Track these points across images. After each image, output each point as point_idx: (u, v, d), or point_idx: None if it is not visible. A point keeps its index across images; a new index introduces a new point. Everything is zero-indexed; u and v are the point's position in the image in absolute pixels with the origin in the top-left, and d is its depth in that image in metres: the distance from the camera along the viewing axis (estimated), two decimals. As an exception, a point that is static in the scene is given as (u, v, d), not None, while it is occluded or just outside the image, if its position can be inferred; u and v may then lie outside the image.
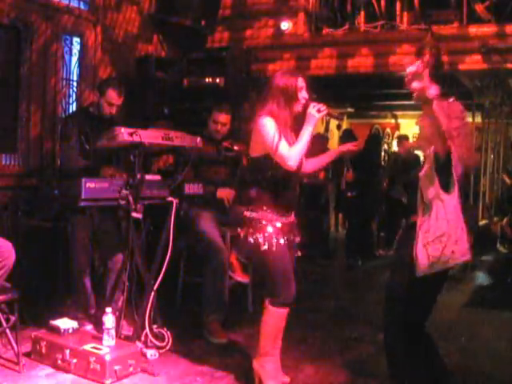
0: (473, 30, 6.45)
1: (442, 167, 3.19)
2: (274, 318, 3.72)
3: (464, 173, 3.37)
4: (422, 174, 3.31)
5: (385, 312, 3.56)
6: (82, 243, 4.62)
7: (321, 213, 8.65)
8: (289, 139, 3.61)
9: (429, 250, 3.20)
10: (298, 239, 3.82)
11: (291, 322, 5.16)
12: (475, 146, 8.97)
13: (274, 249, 3.61)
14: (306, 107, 3.61)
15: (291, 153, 3.51)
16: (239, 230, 3.75)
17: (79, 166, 4.51)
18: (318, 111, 3.55)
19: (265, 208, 3.64)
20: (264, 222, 3.63)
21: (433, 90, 3.15)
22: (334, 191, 9.02)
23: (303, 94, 3.65)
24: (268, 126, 3.56)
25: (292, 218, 3.76)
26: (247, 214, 3.69)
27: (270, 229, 3.62)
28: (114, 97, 4.64)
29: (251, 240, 3.63)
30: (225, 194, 5.14)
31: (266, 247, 3.60)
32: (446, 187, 3.20)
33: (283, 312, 3.71)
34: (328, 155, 4.09)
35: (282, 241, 3.64)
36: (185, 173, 4.37)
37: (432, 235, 3.20)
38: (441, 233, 3.18)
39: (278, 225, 3.64)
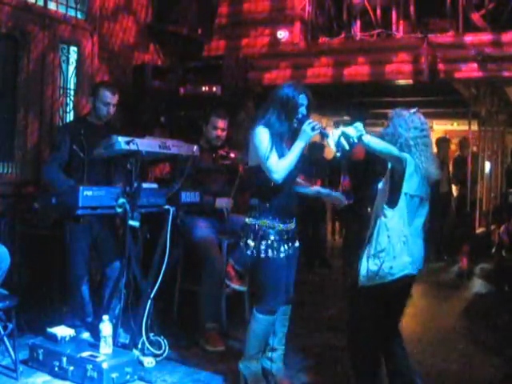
0: (469, 38, 6.48)
1: (396, 181, 3.26)
2: (260, 324, 3.77)
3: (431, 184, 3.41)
4: (380, 186, 3.41)
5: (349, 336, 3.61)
6: (81, 251, 4.63)
7: (318, 221, 8.65)
8: (284, 152, 3.66)
9: (369, 264, 3.27)
10: (297, 244, 3.86)
11: (289, 330, 5.19)
12: (441, 156, 8.99)
13: (272, 257, 3.65)
14: (302, 123, 3.63)
15: (278, 166, 3.56)
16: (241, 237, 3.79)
17: (55, 182, 4.54)
18: (313, 129, 3.57)
19: (264, 215, 3.68)
20: (264, 230, 3.67)
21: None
22: (331, 199, 9.01)
23: (302, 111, 3.69)
24: (262, 136, 3.62)
25: (293, 225, 3.80)
26: (247, 221, 3.74)
27: (270, 236, 3.66)
28: (108, 95, 4.67)
29: (250, 246, 3.68)
30: (224, 203, 5.14)
31: (263, 255, 3.65)
32: (391, 203, 3.27)
33: (269, 319, 3.77)
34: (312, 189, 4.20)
35: (282, 249, 3.69)
36: (181, 181, 4.38)
37: (373, 249, 3.28)
38: (380, 248, 3.25)
39: (278, 232, 3.68)
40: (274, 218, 3.68)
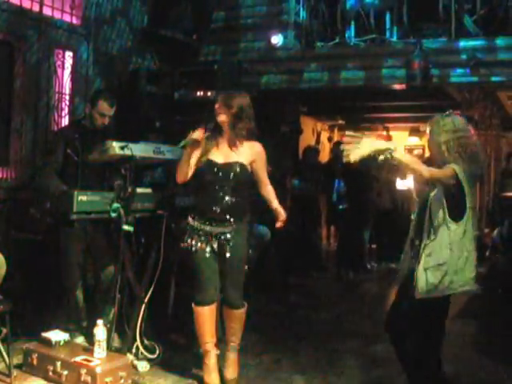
0: (461, 43, 6.54)
1: (453, 194, 3.19)
2: (195, 315, 4.05)
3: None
4: (432, 195, 3.28)
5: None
6: (75, 256, 4.63)
7: (312, 225, 8.68)
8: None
9: (428, 275, 3.20)
10: (229, 250, 3.95)
11: (283, 334, 5.23)
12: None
13: (196, 253, 3.95)
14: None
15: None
16: None
17: (49, 186, 4.55)
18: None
19: (192, 214, 4.00)
20: (190, 228, 3.98)
21: None
22: (325, 204, 9.06)
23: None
24: None
25: (218, 228, 3.93)
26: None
27: (193, 234, 3.95)
28: (105, 107, 4.67)
29: (181, 243, 4.01)
30: None
31: (189, 249, 3.96)
32: (454, 216, 3.20)
33: (200, 310, 4.01)
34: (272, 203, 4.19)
35: (199, 246, 3.95)
36: (175, 186, 4.40)
37: (433, 261, 3.20)
38: (442, 261, 3.19)
39: (197, 231, 3.95)
40: (196, 217, 3.97)
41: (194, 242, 3.94)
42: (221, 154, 3.95)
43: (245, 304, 4.10)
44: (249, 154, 3.97)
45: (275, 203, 4.10)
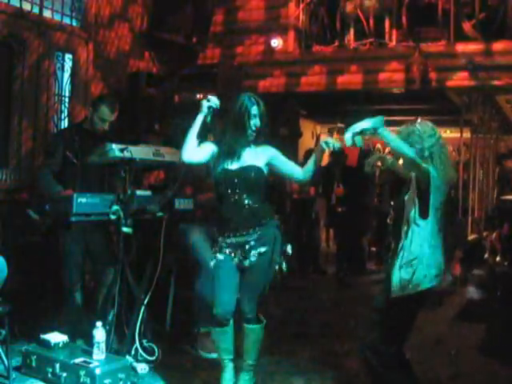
0: (460, 47, 6.57)
1: (423, 193, 3.27)
2: (212, 334, 3.83)
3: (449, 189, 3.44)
4: (406, 198, 3.38)
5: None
6: (75, 258, 4.63)
7: (311, 228, 8.69)
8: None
9: (401, 272, 3.28)
10: (253, 258, 3.67)
11: (282, 336, 5.22)
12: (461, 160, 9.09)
13: (213, 266, 3.71)
14: None
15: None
16: None
17: (45, 187, 4.56)
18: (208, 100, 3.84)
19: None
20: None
21: None
22: (324, 206, 9.07)
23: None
24: None
25: (243, 238, 3.67)
26: None
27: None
28: (106, 113, 4.68)
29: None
30: None
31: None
32: (422, 213, 3.28)
33: (215, 330, 3.75)
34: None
35: (230, 259, 3.68)
36: (175, 188, 4.41)
37: (405, 258, 3.29)
38: (413, 257, 3.27)
39: (219, 243, 3.70)
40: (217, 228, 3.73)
41: (215, 253, 3.70)
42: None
43: (262, 320, 3.80)
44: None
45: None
